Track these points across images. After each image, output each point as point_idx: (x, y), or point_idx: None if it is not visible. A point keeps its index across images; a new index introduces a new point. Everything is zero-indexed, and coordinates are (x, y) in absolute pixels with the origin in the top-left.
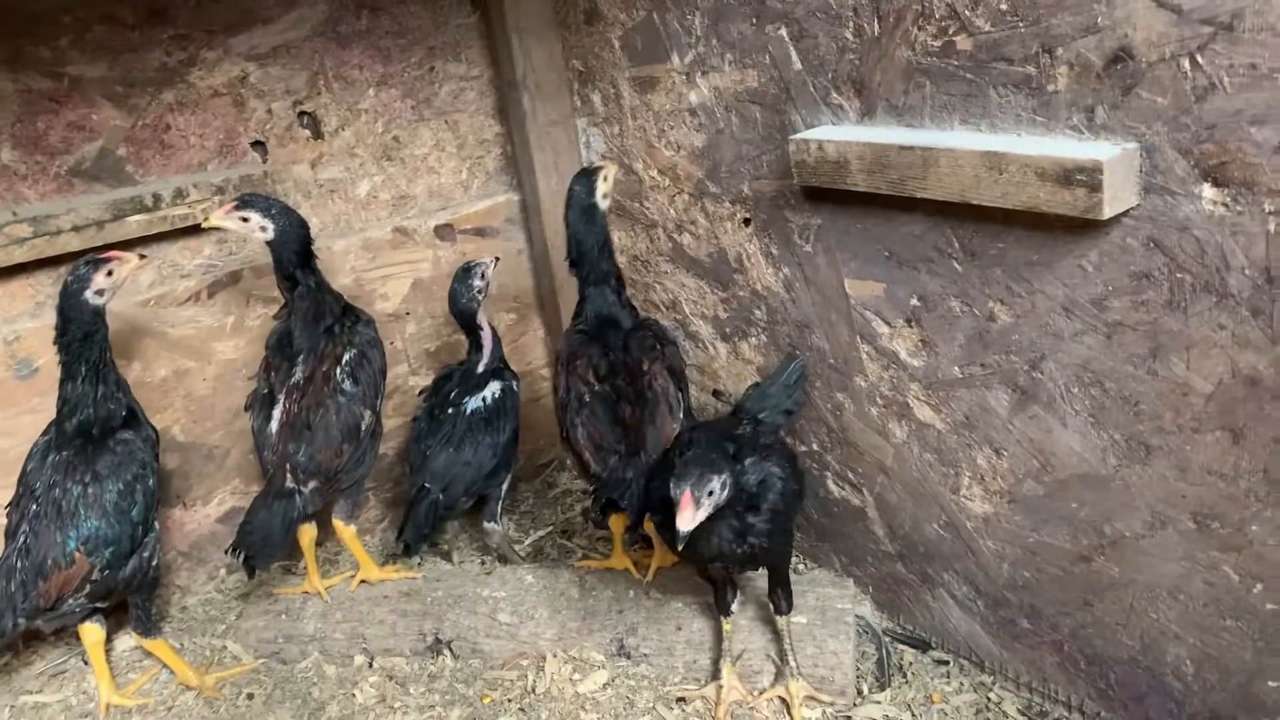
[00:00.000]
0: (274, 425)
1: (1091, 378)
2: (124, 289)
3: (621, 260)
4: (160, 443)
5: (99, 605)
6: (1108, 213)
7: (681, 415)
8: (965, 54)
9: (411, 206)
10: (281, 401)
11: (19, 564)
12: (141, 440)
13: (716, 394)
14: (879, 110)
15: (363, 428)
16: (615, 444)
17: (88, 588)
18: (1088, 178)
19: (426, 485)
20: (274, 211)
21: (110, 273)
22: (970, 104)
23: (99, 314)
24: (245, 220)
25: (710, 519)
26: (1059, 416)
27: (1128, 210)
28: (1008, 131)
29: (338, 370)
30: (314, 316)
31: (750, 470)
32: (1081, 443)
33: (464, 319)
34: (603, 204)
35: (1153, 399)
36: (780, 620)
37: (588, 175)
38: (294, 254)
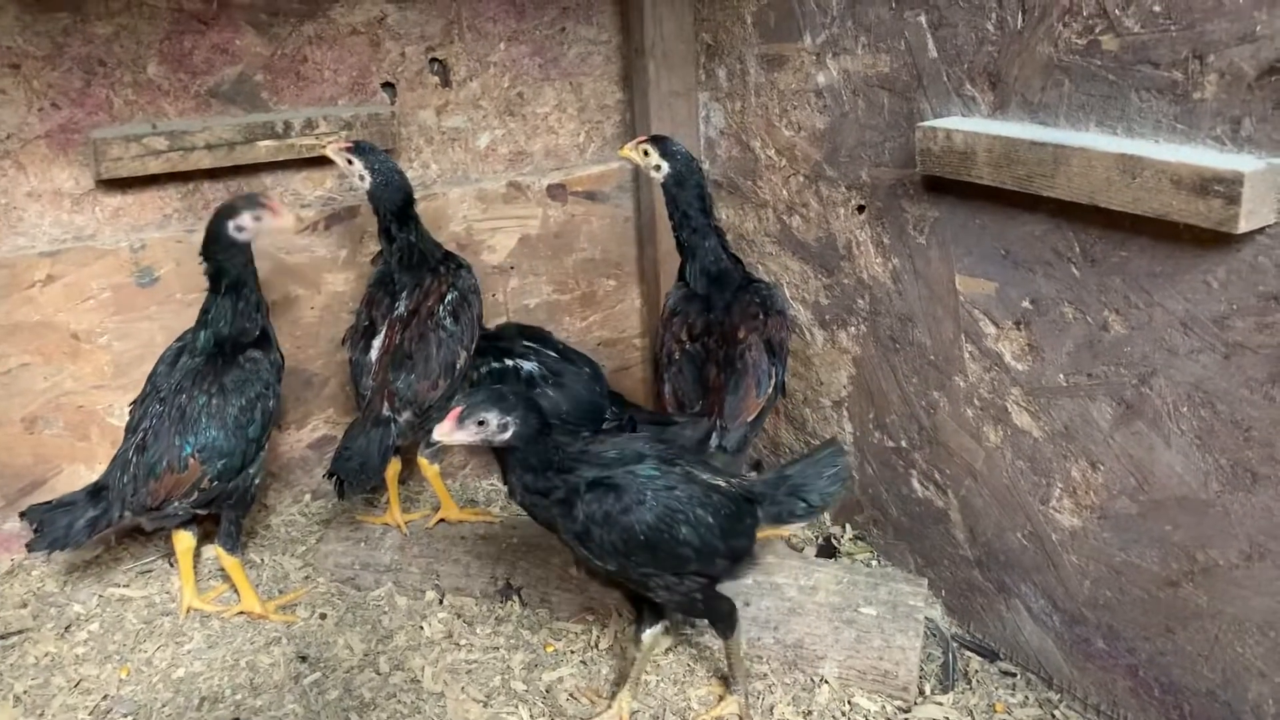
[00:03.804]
0: (374, 354)
1: (1203, 398)
2: None
3: (727, 238)
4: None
5: (200, 513)
6: (1243, 227)
7: (770, 390)
8: (1110, 54)
9: (527, 163)
10: (383, 332)
11: (134, 459)
12: (269, 362)
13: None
14: (1012, 105)
15: (458, 366)
16: (695, 403)
17: (195, 494)
18: (1226, 189)
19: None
20: (377, 165)
21: (259, 218)
22: (1109, 106)
23: (235, 245)
24: (350, 162)
25: (524, 472)
26: (1163, 435)
27: (1263, 227)
28: (1145, 137)
29: (440, 307)
30: (412, 265)
31: (645, 479)
32: (1184, 464)
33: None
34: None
35: (1266, 426)
36: (644, 639)
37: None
38: (389, 211)
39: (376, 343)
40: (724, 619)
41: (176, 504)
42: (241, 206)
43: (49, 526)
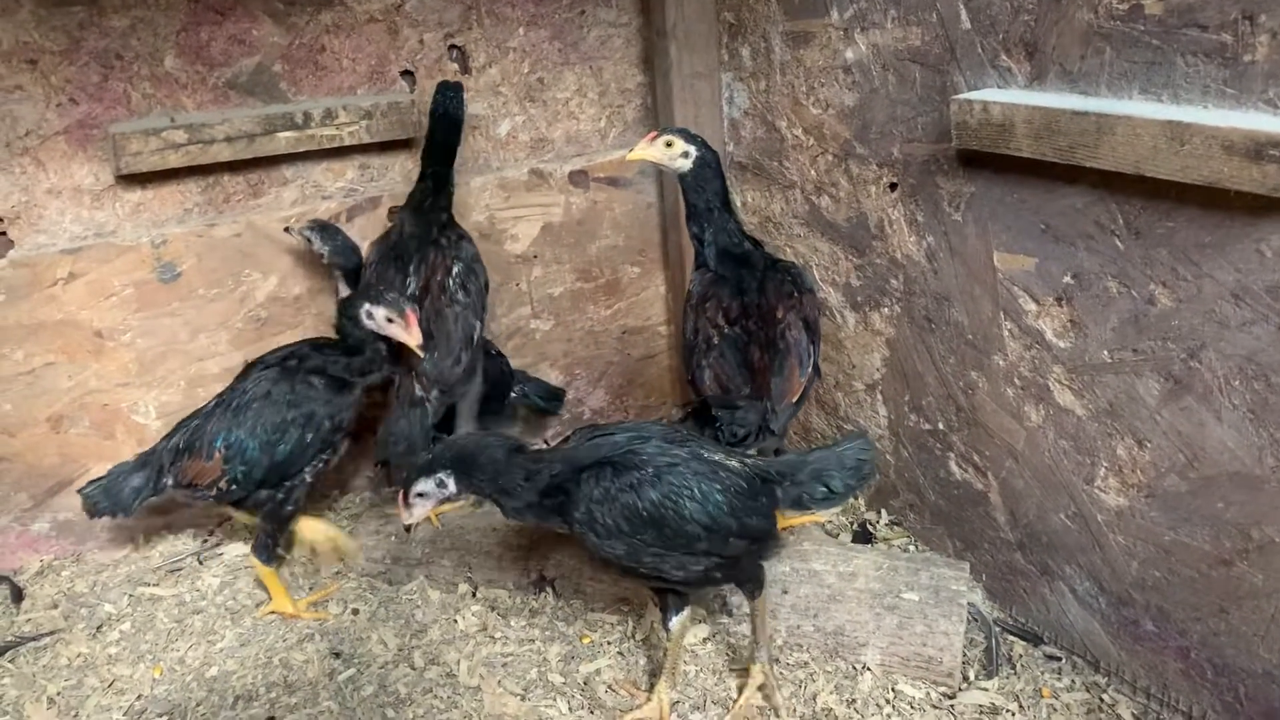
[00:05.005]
0: None
1: (1256, 371)
2: (269, 205)
3: (752, 220)
4: (346, 430)
5: (231, 508)
6: None
7: (810, 370)
8: (1153, 19)
9: (549, 150)
10: None
11: (188, 428)
12: (325, 397)
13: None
14: (1050, 75)
15: (475, 338)
16: (741, 386)
17: (214, 490)
18: None
19: None
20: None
21: (391, 320)
22: (1153, 72)
23: (359, 324)
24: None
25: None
26: (1214, 410)
27: None
28: (1192, 103)
29: (450, 280)
30: (424, 209)
31: (646, 457)
32: (1237, 439)
33: None
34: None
35: None
36: (672, 628)
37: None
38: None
39: None
40: (752, 579)
41: (203, 492)
42: (387, 301)
43: (101, 493)
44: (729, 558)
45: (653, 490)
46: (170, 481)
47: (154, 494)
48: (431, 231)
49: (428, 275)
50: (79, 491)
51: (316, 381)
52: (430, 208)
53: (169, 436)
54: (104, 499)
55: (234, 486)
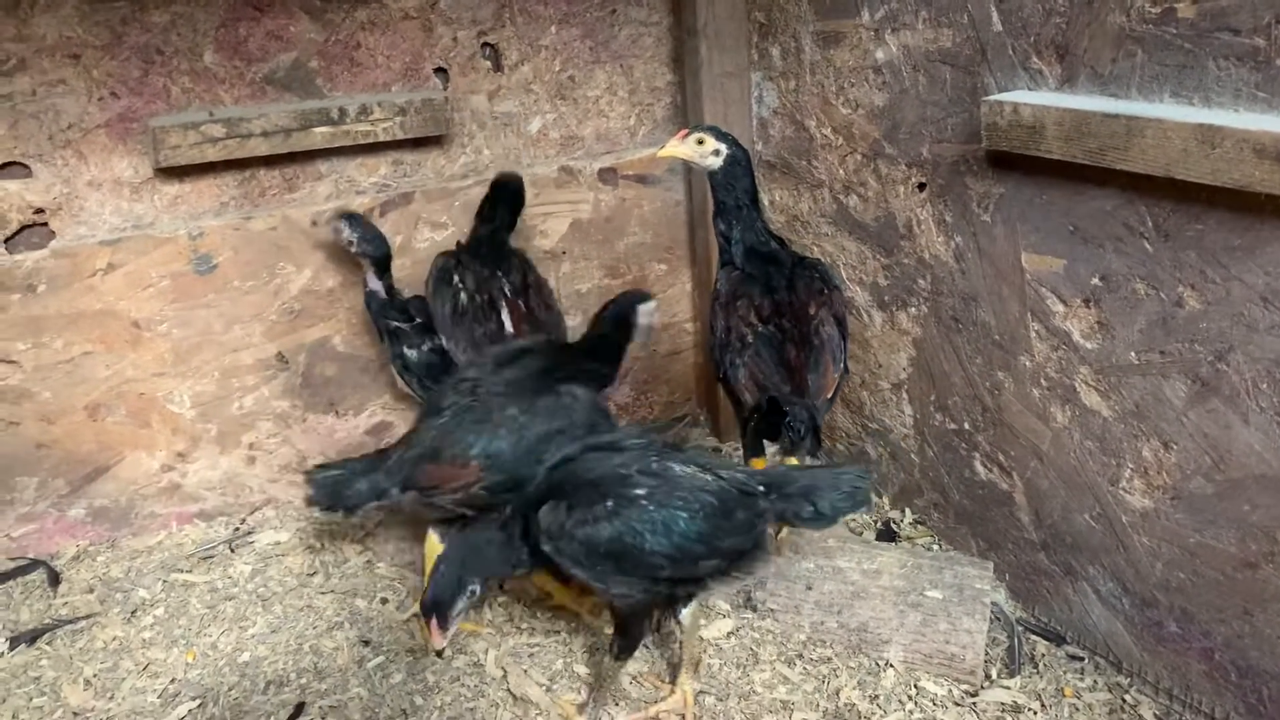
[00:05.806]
0: (509, 328)
1: None
2: (303, 200)
3: (780, 219)
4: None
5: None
6: None
7: (842, 367)
8: (1186, 22)
9: (578, 147)
10: (505, 307)
11: (423, 441)
12: (581, 407)
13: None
14: (1081, 78)
15: (561, 327)
16: (780, 385)
17: (459, 494)
18: None
19: None
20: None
21: (655, 311)
22: (1184, 76)
23: (633, 329)
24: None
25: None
26: (1241, 413)
27: None
28: (1224, 106)
29: (537, 278)
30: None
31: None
32: (1264, 442)
33: None
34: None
35: None
36: (605, 662)
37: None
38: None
39: (506, 317)
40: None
41: (446, 498)
42: (650, 297)
43: (322, 487)
44: (700, 578)
45: (608, 525)
46: (397, 490)
47: (377, 499)
48: (505, 242)
49: (523, 273)
50: (306, 478)
51: (577, 389)
52: (495, 231)
53: (405, 448)
54: (324, 495)
55: (484, 491)
